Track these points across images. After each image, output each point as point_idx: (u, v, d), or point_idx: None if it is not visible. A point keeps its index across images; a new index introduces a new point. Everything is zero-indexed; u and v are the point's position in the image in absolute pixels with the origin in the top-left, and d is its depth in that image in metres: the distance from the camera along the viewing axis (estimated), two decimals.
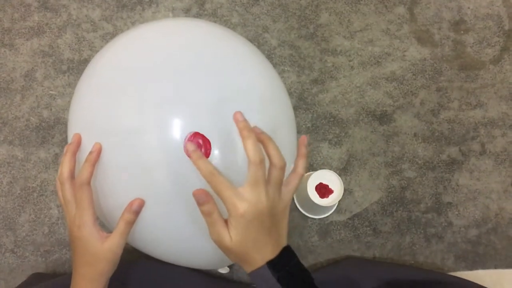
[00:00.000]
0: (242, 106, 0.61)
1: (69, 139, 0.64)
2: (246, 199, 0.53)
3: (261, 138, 0.56)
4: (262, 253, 0.55)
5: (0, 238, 0.94)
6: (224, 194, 0.53)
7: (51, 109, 1.00)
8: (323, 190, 0.88)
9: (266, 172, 0.55)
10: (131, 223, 0.59)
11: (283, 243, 0.57)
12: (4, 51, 1.03)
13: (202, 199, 0.54)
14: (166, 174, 0.58)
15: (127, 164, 0.58)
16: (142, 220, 0.60)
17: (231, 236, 0.54)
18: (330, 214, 0.96)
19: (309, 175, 0.89)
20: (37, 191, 0.96)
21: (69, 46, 1.03)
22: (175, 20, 0.76)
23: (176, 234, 0.63)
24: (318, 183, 0.88)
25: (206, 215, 0.55)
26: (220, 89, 0.60)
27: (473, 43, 1.06)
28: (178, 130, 0.57)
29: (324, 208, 0.92)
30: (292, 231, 0.96)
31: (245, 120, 0.56)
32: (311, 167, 0.99)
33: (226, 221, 0.55)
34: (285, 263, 0.55)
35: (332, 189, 0.88)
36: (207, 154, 0.58)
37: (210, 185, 0.54)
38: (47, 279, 0.85)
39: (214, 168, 0.54)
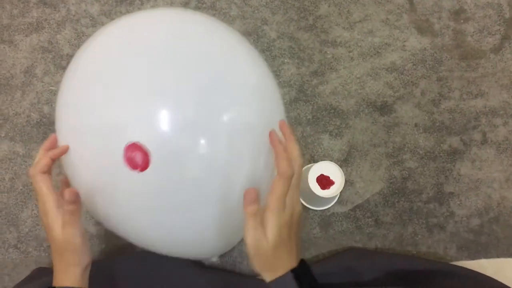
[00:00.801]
0: (230, 98, 0.60)
1: (57, 134, 0.65)
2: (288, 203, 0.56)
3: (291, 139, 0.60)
4: (288, 259, 0.56)
5: (3, 234, 0.95)
6: (280, 197, 0.55)
7: (51, 105, 1.00)
8: (324, 181, 0.88)
9: None
10: (74, 212, 0.58)
11: (299, 253, 0.59)
12: (4, 47, 1.03)
13: (252, 199, 0.55)
14: (150, 167, 0.57)
15: (111, 157, 0.58)
16: (128, 213, 0.61)
17: (268, 236, 0.54)
18: (332, 206, 0.96)
19: (310, 167, 0.89)
20: None
21: (68, 42, 1.03)
22: (162, 9, 0.74)
23: (163, 225, 0.64)
24: (319, 174, 0.88)
25: (251, 216, 0.55)
26: (207, 80, 0.59)
27: (473, 32, 1.05)
28: (164, 122, 0.57)
29: (325, 200, 0.92)
30: None
31: (279, 140, 0.60)
32: (312, 159, 0.98)
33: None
34: (306, 273, 0.57)
35: (333, 180, 0.88)
36: (145, 165, 0.57)
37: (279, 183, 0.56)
38: (50, 273, 0.86)
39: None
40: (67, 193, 0.57)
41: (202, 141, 0.57)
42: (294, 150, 0.58)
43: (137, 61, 0.59)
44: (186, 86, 0.58)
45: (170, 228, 0.64)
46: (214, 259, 0.87)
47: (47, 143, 0.64)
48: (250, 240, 0.55)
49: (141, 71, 0.58)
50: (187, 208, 0.61)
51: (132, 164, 0.58)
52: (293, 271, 0.55)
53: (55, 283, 0.61)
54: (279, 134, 0.62)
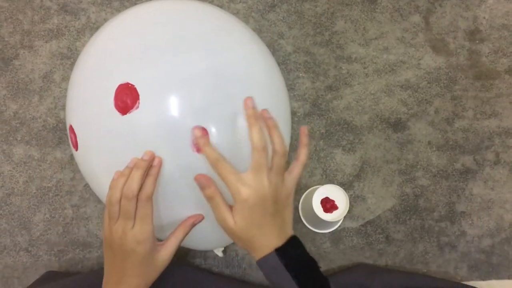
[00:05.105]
0: (238, 89, 0.62)
1: (67, 130, 0.68)
2: (249, 184, 0.55)
3: (268, 124, 0.58)
4: (268, 239, 0.56)
5: (15, 236, 0.95)
6: (228, 179, 0.55)
7: None
8: (328, 205, 0.87)
9: (270, 160, 0.57)
10: (186, 234, 0.64)
11: (289, 231, 0.59)
12: (24, 52, 1.04)
13: (203, 183, 0.57)
14: (165, 154, 0.59)
15: (124, 145, 0.60)
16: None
17: (236, 221, 0.56)
18: (342, 221, 0.96)
19: (316, 188, 0.88)
20: (53, 191, 0.97)
21: None
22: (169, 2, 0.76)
23: (177, 214, 0.65)
24: (324, 197, 0.87)
25: (209, 198, 0.57)
26: (218, 70, 0.61)
27: (488, 53, 1.06)
28: (174, 109, 0.59)
29: (327, 223, 0.91)
30: (304, 237, 0.96)
31: (254, 108, 0.57)
32: (324, 173, 0.99)
33: (231, 207, 0.57)
34: (293, 251, 0.57)
35: (338, 205, 0.87)
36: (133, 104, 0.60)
37: (215, 171, 0.56)
38: (60, 277, 0.86)
39: (219, 155, 0.56)
40: (199, 218, 0.64)
41: (210, 128, 0.59)
42: (276, 139, 0.57)
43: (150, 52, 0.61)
44: (196, 75, 0.60)
45: (174, 216, 0.65)
46: (219, 253, 0.87)
47: (147, 164, 0.58)
48: (217, 221, 0.58)
49: (150, 58, 0.61)
50: (191, 194, 0.62)
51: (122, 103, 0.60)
52: (278, 249, 0.56)
53: None
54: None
